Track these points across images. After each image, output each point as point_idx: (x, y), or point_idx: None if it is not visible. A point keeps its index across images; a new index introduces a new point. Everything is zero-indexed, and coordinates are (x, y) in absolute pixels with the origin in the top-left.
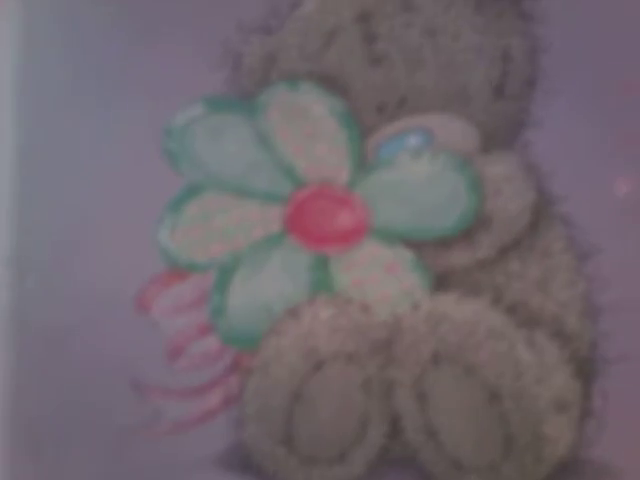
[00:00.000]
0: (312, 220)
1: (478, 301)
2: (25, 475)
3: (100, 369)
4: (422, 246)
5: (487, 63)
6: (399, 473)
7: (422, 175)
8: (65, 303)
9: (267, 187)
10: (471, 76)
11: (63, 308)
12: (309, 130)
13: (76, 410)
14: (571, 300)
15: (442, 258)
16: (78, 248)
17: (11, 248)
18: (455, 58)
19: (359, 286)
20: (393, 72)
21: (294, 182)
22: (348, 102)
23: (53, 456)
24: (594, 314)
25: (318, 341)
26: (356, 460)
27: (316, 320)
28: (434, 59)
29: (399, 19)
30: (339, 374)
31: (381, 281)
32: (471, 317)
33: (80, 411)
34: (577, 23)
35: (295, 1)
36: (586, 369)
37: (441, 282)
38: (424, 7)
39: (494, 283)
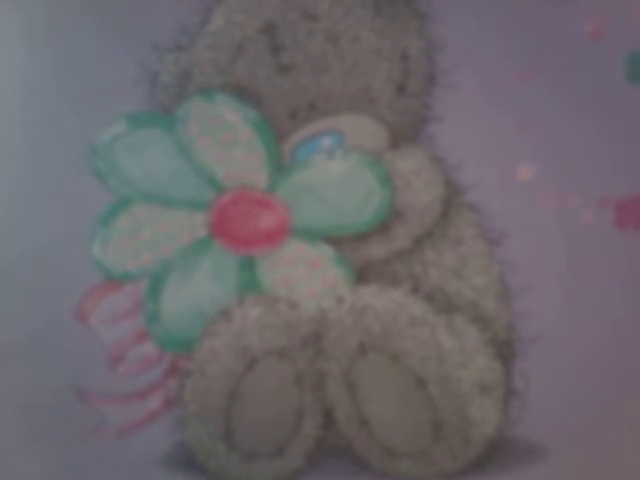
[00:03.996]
0: (236, 223)
1: (398, 291)
2: None
3: (46, 381)
4: (342, 242)
5: (388, 64)
6: (335, 462)
7: (336, 174)
8: (8, 322)
9: (191, 195)
10: (374, 77)
11: (7, 326)
12: (226, 138)
13: (25, 420)
14: (486, 284)
15: (361, 252)
16: (18, 268)
17: None
18: (358, 61)
19: (285, 284)
20: (301, 78)
21: (216, 188)
22: (261, 109)
23: (4, 466)
24: (508, 297)
25: (249, 339)
26: (294, 453)
27: (246, 319)
28: (338, 63)
29: (302, 28)
30: (272, 370)
31: (306, 278)
32: (393, 306)
33: (29, 421)
34: (469, 20)
35: (203, 19)
36: (505, 351)
37: (362, 275)
38: (325, 15)
39: (412, 272)
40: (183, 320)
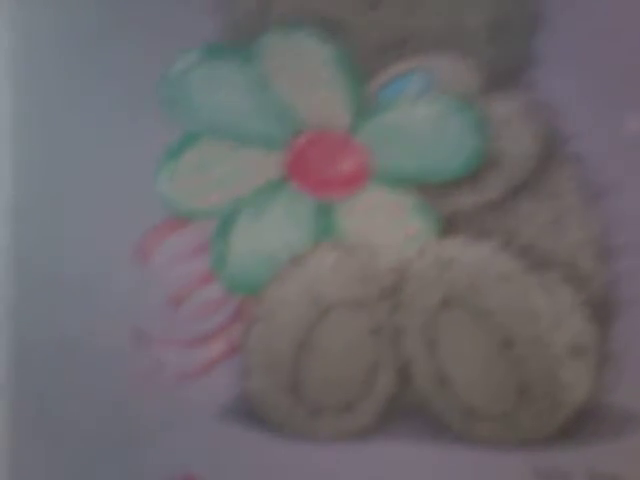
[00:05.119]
0: (313, 166)
1: (487, 244)
2: (28, 427)
3: (102, 321)
4: (428, 189)
5: (484, 4)
6: (410, 423)
7: (424, 118)
8: (65, 255)
9: (266, 133)
10: (471, 14)
11: (64, 260)
12: (308, 75)
13: (79, 362)
14: (584, 241)
15: (449, 201)
16: (77, 199)
17: (8, 200)
18: None
19: (364, 231)
20: (392, 13)
21: (294, 128)
22: (347, 45)
23: (56, 407)
24: (609, 255)
25: (324, 287)
26: (365, 410)
27: (321, 266)
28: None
29: None
30: (346, 321)
31: (386, 226)
32: (480, 261)
33: (82, 363)
34: None
35: None
36: (602, 312)
37: (449, 226)
38: None
39: (504, 226)
40: (253, 263)
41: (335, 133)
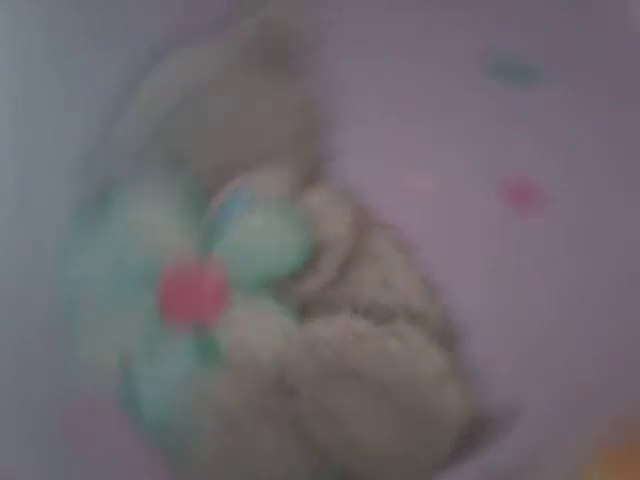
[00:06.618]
0: (182, 296)
1: (340, 316)
2: None
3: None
4: (280, 284)
5: (285, 122)
6: None
7: (258, 226)
8: None
9: (138, 280)
10: (276, 132)
11: None
12: (161, 210)
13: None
14: (412, 288)
15: (298, 289)
16: None
17: None
18: (259, 125)
19: (239, 340)
20: (217, 141)
21: (158, 266)
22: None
23: None
24: (434, 294)
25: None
26: None
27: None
28: (243, 131)
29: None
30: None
31: (258, 329)
32: (340, 331)
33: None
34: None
35: None
36: (446, 341)
37: (304, 311)
38: (222, 92)
39: (346, 295)
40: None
41: (193, 260)
